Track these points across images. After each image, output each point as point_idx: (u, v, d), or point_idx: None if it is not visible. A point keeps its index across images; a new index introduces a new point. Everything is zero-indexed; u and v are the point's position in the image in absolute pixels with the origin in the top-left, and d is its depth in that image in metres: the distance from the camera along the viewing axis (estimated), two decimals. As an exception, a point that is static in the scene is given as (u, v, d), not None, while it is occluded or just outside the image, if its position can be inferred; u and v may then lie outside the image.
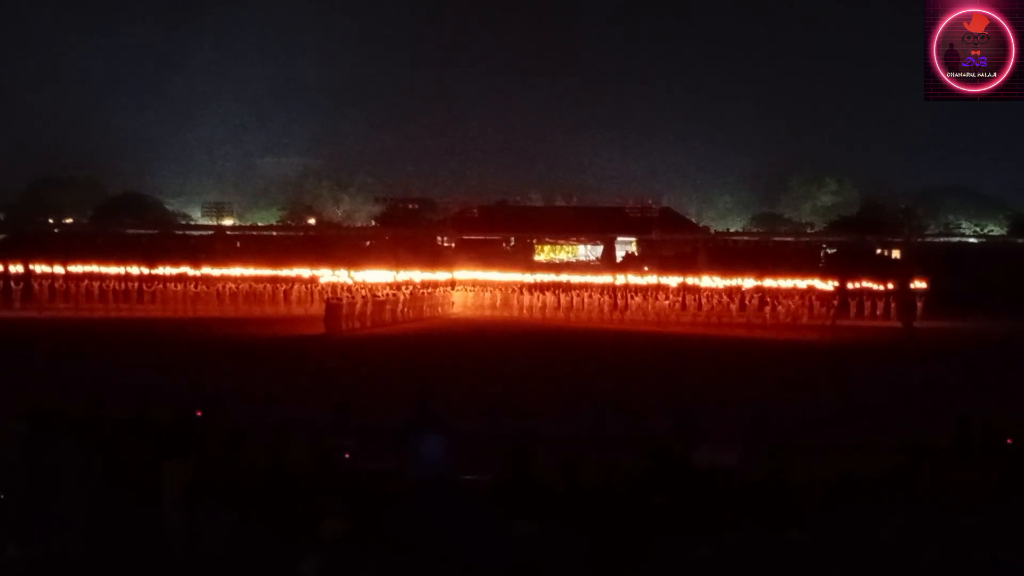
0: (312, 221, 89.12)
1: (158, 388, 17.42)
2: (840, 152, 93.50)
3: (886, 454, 11.24)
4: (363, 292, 40.78)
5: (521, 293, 49.99)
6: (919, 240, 76.67)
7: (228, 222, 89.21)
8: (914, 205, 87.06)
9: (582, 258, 79.11)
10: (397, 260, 52.47)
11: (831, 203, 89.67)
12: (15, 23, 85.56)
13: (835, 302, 45.26)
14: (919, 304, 47.32)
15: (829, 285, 48.62)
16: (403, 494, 9.10)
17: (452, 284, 51.20)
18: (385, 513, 8.59)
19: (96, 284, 46.16)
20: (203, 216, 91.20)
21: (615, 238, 78.20)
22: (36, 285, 45.56)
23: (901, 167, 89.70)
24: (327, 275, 40.72)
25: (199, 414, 12.26)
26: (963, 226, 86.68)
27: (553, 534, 8.62)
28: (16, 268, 45.42)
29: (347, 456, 10.28)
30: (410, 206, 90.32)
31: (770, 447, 10.50)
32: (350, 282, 40.61)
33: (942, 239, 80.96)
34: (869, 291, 49.50)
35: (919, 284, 48.39)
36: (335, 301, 38.33)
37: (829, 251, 74.70)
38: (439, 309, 48.59)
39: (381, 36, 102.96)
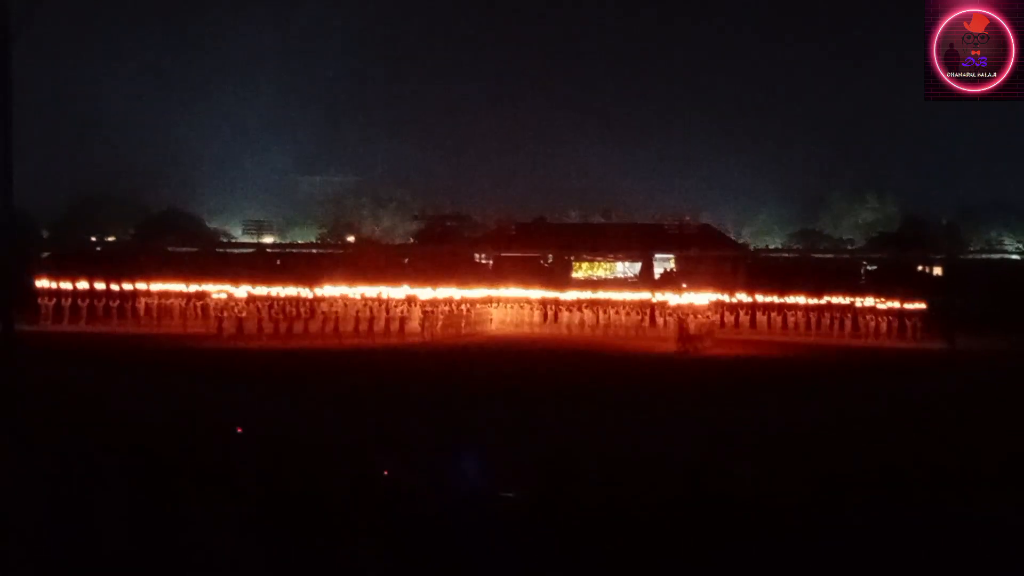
0: (351, 239, 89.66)
1: (200, 405, 17.57)
2: (880, 167, 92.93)
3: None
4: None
5: (558, 310, 50.09)
6: (961, 257, 75.87)
7: (268, 240, 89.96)
8: (956, 221, 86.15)
9: (620, 275, 78.97)
10: (435, 277, 52.66)
11: (871, 219, 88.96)
12: (57, 44, 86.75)
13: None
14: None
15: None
16: (440, 512, 9.15)
17: (490, 301, 51.32)
18: (422, 531, 8.65)
19: (142, 302, 46.92)
20: (244, 234, 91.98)
21: (653, 255, 78.00)
22: (79, 301, 46.42)
23: (942, 183, 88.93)
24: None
25: (239, 431, 12.36)
26: (1006, 242, 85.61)
27: (588, 553, 8.65)
28: (76, 285, 46.67)
29: (385, 473, 10.31)
30: (448, 223, 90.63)
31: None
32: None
33: (984, 256, 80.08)
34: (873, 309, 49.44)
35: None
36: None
37: (869, 268, 74.12)
38: (477, 326, 48.74)
39: (419, 54, 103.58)
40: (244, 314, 44.10)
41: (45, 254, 70.05)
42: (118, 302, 46.87)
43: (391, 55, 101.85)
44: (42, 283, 46.71)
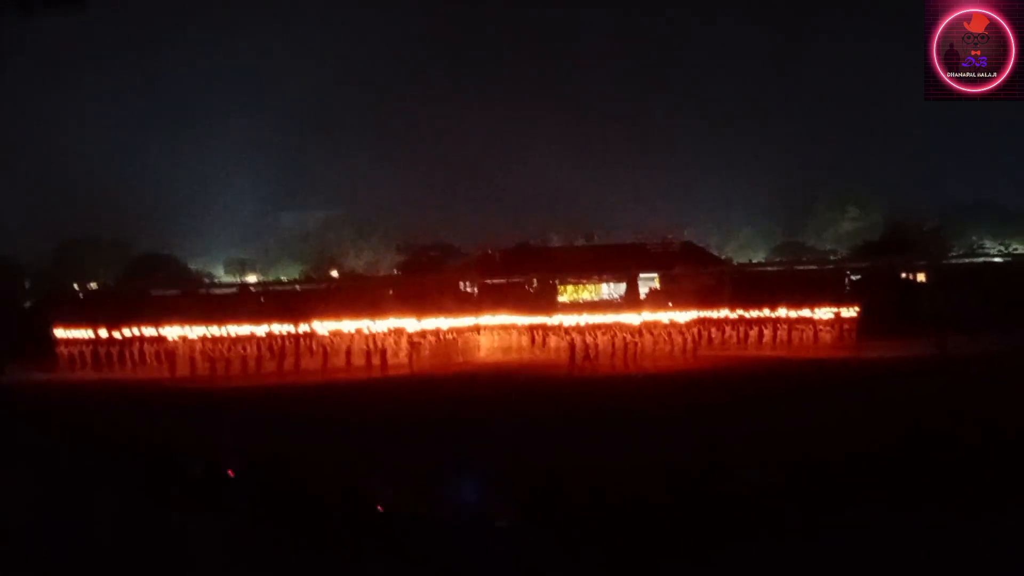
0: (335, 273, 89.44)
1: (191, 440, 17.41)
2: (861, 176, 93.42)
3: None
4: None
5: (546, 335, 49.99)
6: (944, 262, 76.06)
7: (252, 279, 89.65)
8: (938, 225, 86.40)
9: (605, 296, 78.89)
10: (421, 307, 52.53)
11: (853, 228, 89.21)
12: (39, 90, 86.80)
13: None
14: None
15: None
16: (434, 537, 9.07)
17: (477, 329, 51.23)
18: (416, 557, 8.58)
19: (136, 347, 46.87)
20: (226, 273, 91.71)
21: (637, 275, 77.94)
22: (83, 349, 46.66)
23: (923, 189, 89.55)
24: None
25: (231, 474, 12.19)
26: (987, 245, 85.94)
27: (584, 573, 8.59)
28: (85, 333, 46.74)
29: (376, 498, 10.23)
30: (431, 253, 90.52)
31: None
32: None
33: (967, 260, 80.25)
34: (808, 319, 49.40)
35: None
36: None
37: (853, 277, 74.15)
38: (465, 355, 48.62)
39: (394, 83, 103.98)
40: (243, 352, 44.26)
41: (27, 304, 69.58)
42: (119, 348, 46.75)
43: (368, 86, 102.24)
44: (60, 332, 47.09)
